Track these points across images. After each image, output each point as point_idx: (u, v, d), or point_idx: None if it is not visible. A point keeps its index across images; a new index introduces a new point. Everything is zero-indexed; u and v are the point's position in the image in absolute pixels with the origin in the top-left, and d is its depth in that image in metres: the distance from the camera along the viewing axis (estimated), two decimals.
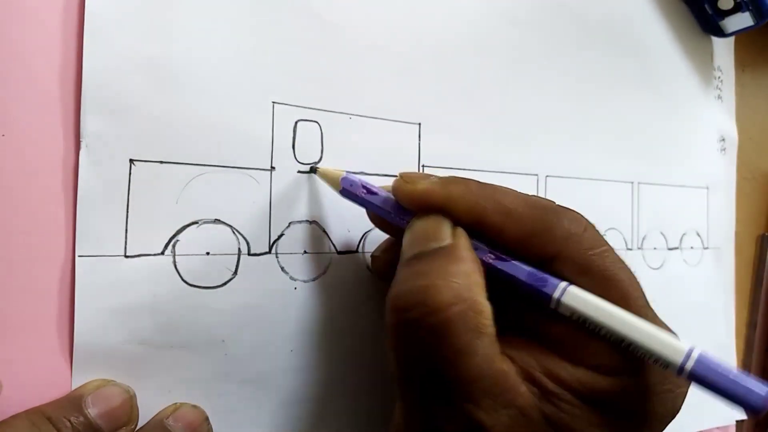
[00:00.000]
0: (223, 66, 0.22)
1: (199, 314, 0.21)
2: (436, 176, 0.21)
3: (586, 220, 0.20)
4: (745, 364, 0.42)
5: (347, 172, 0.23)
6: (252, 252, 0.22)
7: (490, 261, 0.20)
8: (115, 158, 0.20)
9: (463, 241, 0.19)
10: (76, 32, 0.20)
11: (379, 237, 0.25)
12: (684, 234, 0.38)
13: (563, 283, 0.18)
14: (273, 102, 0.23)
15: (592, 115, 0.33)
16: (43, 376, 0.19)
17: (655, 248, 0.36)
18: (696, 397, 0.19)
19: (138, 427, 0.20)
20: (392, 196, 0.21)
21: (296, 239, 0.23)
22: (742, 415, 0.40)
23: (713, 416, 0.38)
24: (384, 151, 0.26)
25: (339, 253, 0.25)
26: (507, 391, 0.17)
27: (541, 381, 0.18)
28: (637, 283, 0.19)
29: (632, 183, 0.35)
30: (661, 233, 0.37)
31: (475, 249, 0.19)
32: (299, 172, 0.24)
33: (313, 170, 0.24)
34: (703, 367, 0.16)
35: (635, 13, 0.36)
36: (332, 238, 0.24)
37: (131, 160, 0.20)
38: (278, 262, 0.23)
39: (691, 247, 0.38)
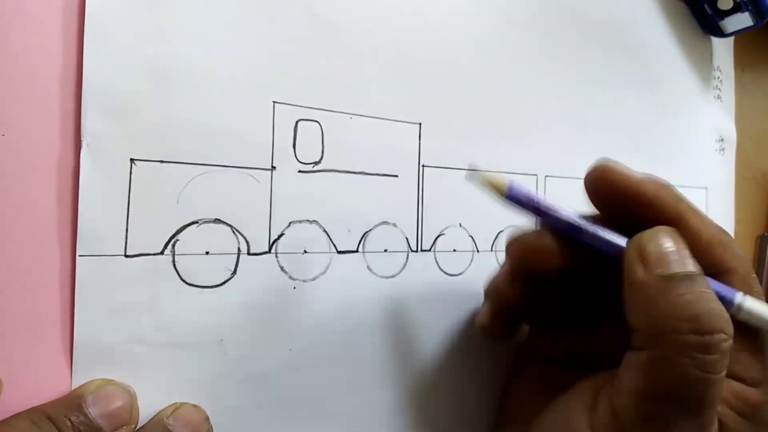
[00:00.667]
0: (223, 65, 0.22)
1: (199, 314, 0.21)
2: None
3: None
4: None
5: (511, 180, 0.21)
6: (251, 252, 0.22)
7: None
8: (115, 158, 0.20)
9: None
10: (76, 32, 0.20)
11: (379, 237, 0.25)
12: None
13: (740, 292, 0.19)
14: (273, 102, 0.23)
15: (592, 115, 0.33)
16: (43, 376, 0.19)
17: None
18: None
19: (138, 427, 0.20)
20: (567, 209, 0.20)
21: (296, 239, 0.23)
22: None
23: None
24: (384, 151, 0.26)
25: (339, 252, 0.25)
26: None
27: None
28: None
29: None
30: None
31: None
32: (300, 171, 0.24)
33: (473, 171, 0.21)
34: None
35: (635, 13, 0.36)
36: (332, 238, 0.24)
37: (132, 160, 0.20)
38: (278, 261, 0.23)
39: None
